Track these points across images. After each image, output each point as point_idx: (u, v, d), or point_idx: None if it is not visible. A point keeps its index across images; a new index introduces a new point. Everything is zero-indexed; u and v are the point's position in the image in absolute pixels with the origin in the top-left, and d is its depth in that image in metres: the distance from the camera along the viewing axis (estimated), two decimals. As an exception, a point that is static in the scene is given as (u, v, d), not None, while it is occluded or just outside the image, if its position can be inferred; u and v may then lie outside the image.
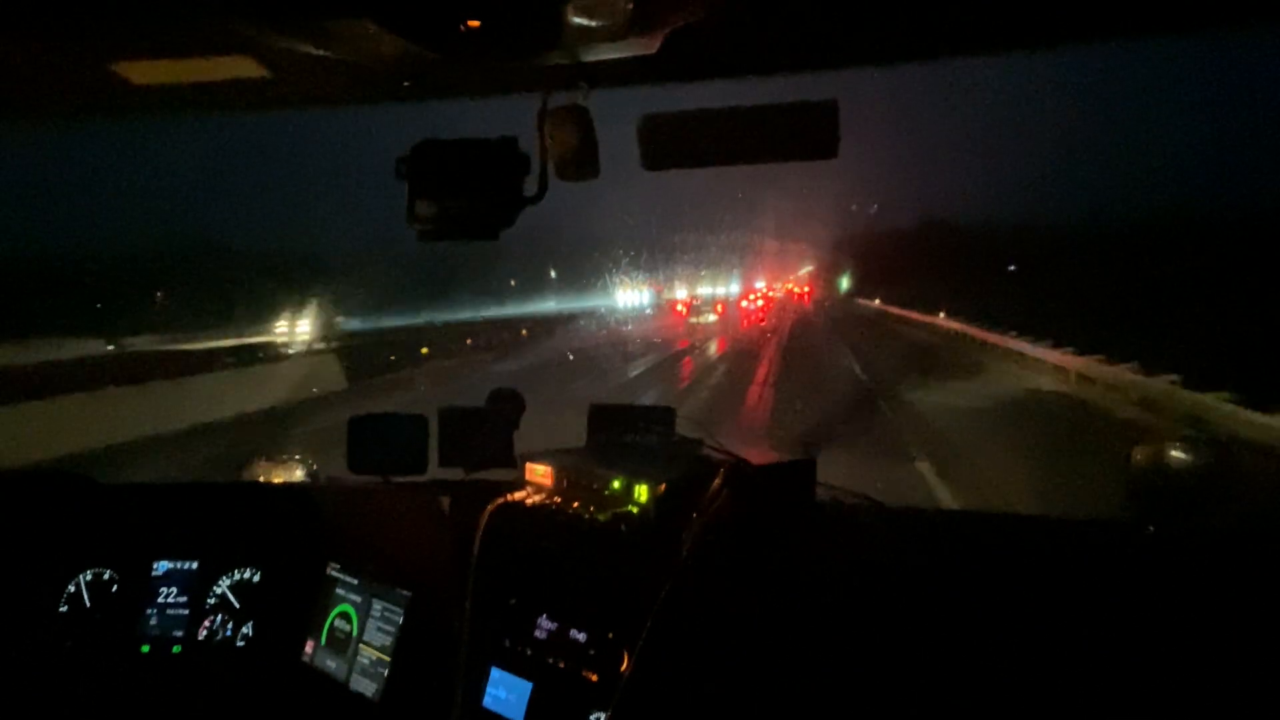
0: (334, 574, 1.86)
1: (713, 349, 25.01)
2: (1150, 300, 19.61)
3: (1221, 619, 1.16)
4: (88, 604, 2.00)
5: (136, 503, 2.17)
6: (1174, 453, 1.60)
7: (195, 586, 1.99)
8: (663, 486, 1.37)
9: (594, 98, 1.41)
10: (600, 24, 1.14)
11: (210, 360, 16.02)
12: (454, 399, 2.21)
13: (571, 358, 20.88)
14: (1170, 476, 1.58)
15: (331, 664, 1.77)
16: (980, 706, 1.14)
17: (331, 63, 1.33)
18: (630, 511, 1.38)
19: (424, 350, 22.37)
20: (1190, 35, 1.35)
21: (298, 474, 2.58)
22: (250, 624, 1.92)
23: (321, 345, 20.26)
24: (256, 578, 1.96)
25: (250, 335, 20.40)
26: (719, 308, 42.62)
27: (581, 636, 1.44)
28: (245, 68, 1.38)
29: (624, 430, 1.82)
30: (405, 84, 1.55)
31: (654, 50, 1.25)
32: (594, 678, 1.39)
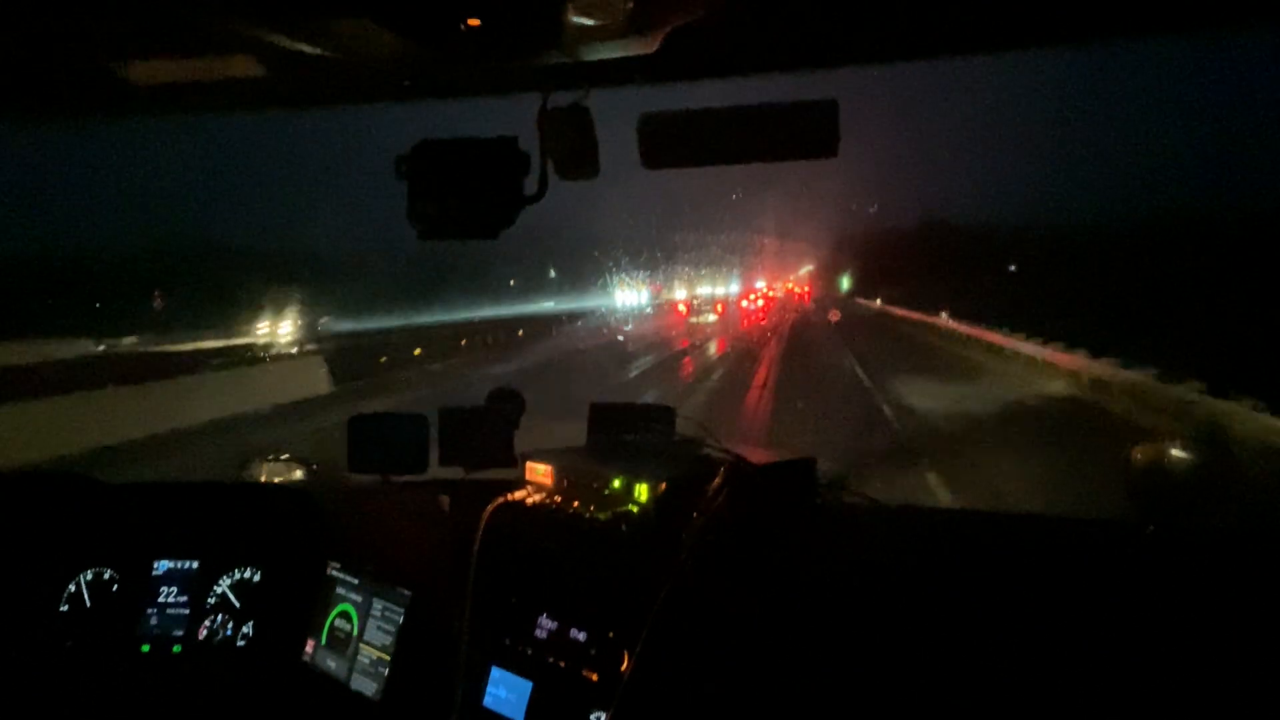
0: (334, 573, 1.86)
1: (712, 349, 25.00)
2: (1151, 300, 19.52)
3: (1221, 619, 1.16)
4: (88, 604, 2.00)
5: (137, 502, 2.17)
6: (1174, 453, 1.60)
7: (195, 586, 1.99)
8: (663, 486, 1.37)
9: (594, 97, 1.41)
10: (600, 23, 1.14)
11: (193, 362, 15.74)
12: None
13: (569, 359, 20.63)
14: (1170, 476, 1.58)
15: (332, 664, 1.77)
16: (980, 706, 1.14)
17: (331, 63, 1.33)
18: (630, 511, 1.38)
19: (417, 351, 22.15)
20: (1190, 35, 1.35)
21: (298, 474, 2.58)
22: (250, 624, 1.92)
23: (307, 347, 19.85)
24: (257, 577, 1.96)
25: (237, 336, 20.04)
26: (719, 308, 42.66)
27: (582, 636, 1.44)
28: (245, 68, 1.38)
29: (624, 429, 1.82)
30: (405, 84, 1.56)
31: (653, 50, 1.25)
32: (594, 677, 1.39)
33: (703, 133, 1.42)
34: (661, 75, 1.43)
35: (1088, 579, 1.29)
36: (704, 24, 1.17)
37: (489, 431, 2.07)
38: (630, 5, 1.09)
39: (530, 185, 1.41)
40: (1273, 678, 1.06)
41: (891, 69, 1.49)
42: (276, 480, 2.57)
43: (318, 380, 16.10)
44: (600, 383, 15.80)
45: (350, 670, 1.73)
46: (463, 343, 25.17)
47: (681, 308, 40.47)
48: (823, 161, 1.39)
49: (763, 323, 36.43)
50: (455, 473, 2.08)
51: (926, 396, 13.10)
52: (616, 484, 1.41)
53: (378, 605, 1.75)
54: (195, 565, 2.01)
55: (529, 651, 1.50)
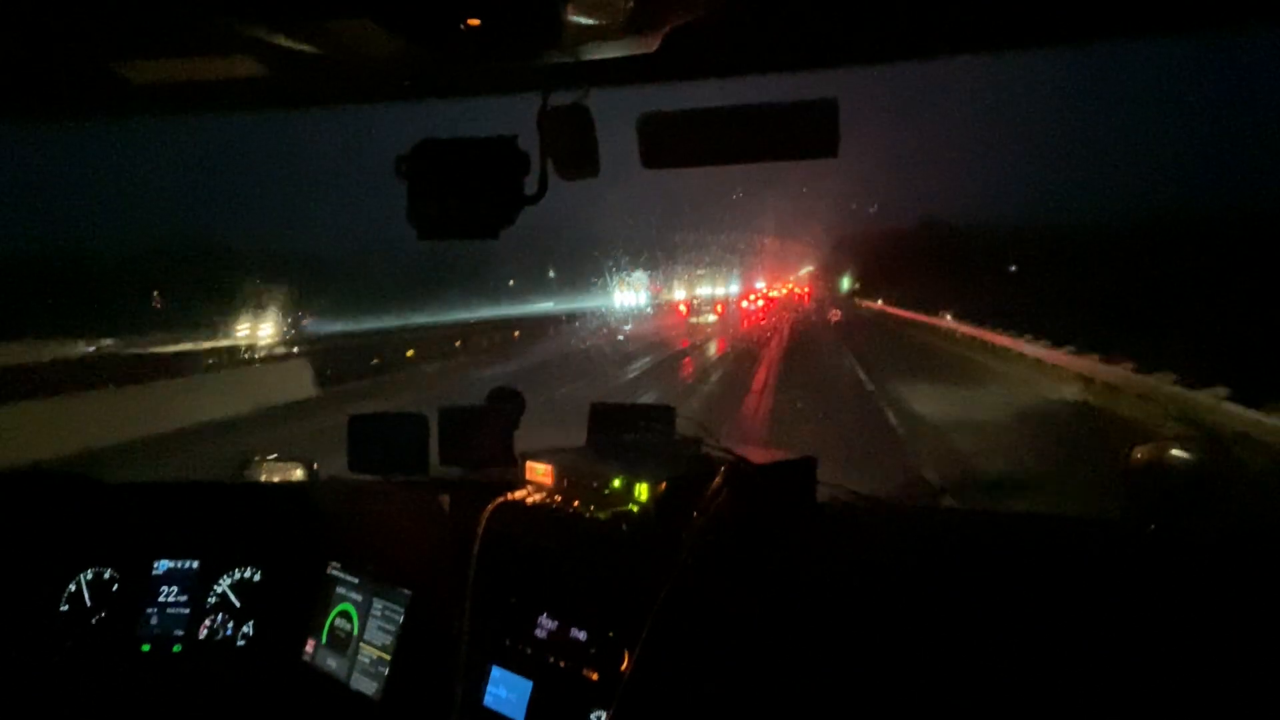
0: (334, 573, 1.86)
1: (712, 349, 24.97)
2: (1152, 300, 19.41)
3: (1221, 619, 1.16)
4: (88, 603, 2.00)
5: (137, 502, 2.17)
6: (1174, 452, 1.59)
7: (196, 586, 1.99)
8: (663, 485, 1.37)
9: (594, 97, 1.41)
10: (600, 23, 1.14)
11: (171, 365, 15.40)
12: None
13: (566, 360, 20.25)
14: (1170, 476, 1.58)
15: (332, 663, 1.78)
16: (980, 706, 1.14)
17: (331, 63, 1.33)
18: (630, 510, 1.38)
19: (410, 353, 21.84)
20: (1190, 35, 1.35)
21: (298, 474, 2.58)
22: (251, 623, 1.92)
23: (290, 349, 19.37)
24: (257, 577, 1.96)
25: (218, 338, 19.61)
26: (719, 308, 42.68)
27: (582, 635, 1.44)
28: (245, 68, 1.38)
29: (624, 429, 1.82)
30: (405, 84, 1.56)
31: (654, 49, 1.25)
32: (594, 676, 1.39)
33: (703, 133, 1.42)
34: (661, 75, 1.43)
35: (1088, 579, 1.29)
36: (704, 24, 1.17)
37: (489, 431, 2.07)
38: (630, 5, 1.09)
39: (530, 185, 1.41)
40: (1273, 678, 1.06)
41: (891, 69, 1.49)
42: (276, 480, 2.57)
43: (301, 383, 15.74)
44: (598, 385, 15.51)
45: (350, 670, 1.73)
46: (458, 344, 24.92)
47: (682, 308, 40.48)
48: (823, 161, 1.39)
49: (762, 323, 36.43)
50: (455, 473, 2.08)
51: (932, 401, 12.51)
52: (616, 484, 1.41)
53: (378, 605, 1.75)
54: (195, 565, 2.01)
55: (529, 651, 1.50)
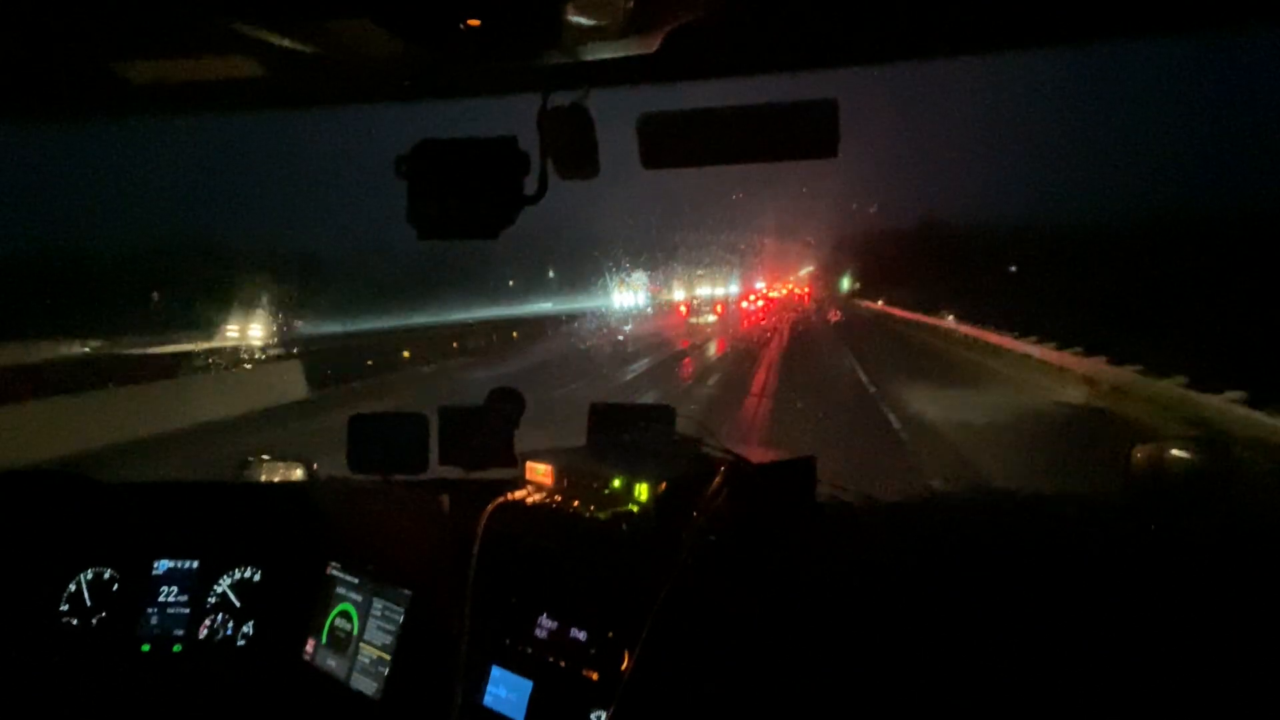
0: (334, 573, 1.86)
1: (711, 350, 24.95)
2: (1153, 300, 19.33)
3: (1221, 619, 1.16)
4: (88, 603, 2.00)
5: (137, 502, 2.17)
6: (1174, 452, 1.59)
7: (196, 586, 1.99)
8: (663, 485, 1.37)
9: (594, 97, 1.41)
10: (600, 23, 1.14)
11: (158, 367, 15.07)
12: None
13: (563, 361, 20.07)
14: (1170, 476, 1.58)
15: (332, 663, 1.78)
16: (981, 706, 1.14)
17: (331, 63, 1.33)
18: (630, 510, 1.38)
19: (405, 354, 21.59)
20: (1190, 35, 1.35)
21: (297, 474, 2.58)
22: (251, 623, 1.92)
23: (277, 352, 18.91)
24: (257, 577, 1.96)
25: (208, 340, 19.14)
26: (718, 308, 42.69)
27: (582, 635, 1.44)
28: (245, 68, 1.38)
29: (624, 429, 1.82)
30: (405, 84, 1.56)
31: (653, 50, 1.25)
32: (594, 676, 1.39)
33: (703, 133, 1.42)
34: (661, 75, 1.43)
35: (1088, 579, 1.29)
36: (704, 24, 1.17)
37: (489, 431, 2.07)
38: (630, 5, 1.09)
39: (530, 185, 1.41)
40: (1273, 678, 1.06)
41: (891, 69, 1.49)
42: (276, 480, 2.57)
43: (292, 386, 15.48)
44: (595, 386, 15.29)
45: (350, 670, 1.73)
46: (454, 345, 24.75)
47: (682, 309, 40.49)
48: (823, 161, 1.39)
49: (762, 323, 36.42)
50: (455, 473, 2.08)
51: (937, 405, 12.07)
52: (616, 484, 1.41)
53: (378, 605, 1.75)
54: (195, 565, 2.01)
55: (529, 651, 1.50)
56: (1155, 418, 10.57)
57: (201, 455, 9.33)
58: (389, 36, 1.18)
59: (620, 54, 1.27)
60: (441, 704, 1.49)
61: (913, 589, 1.31)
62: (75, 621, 1.98)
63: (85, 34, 1.32)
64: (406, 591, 1.71)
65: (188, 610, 1.97)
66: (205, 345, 18.28)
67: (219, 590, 1.97)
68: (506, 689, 1.50)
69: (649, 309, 40.29)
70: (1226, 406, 9.69)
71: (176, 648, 1.94)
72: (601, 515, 1.40)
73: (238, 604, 1.94)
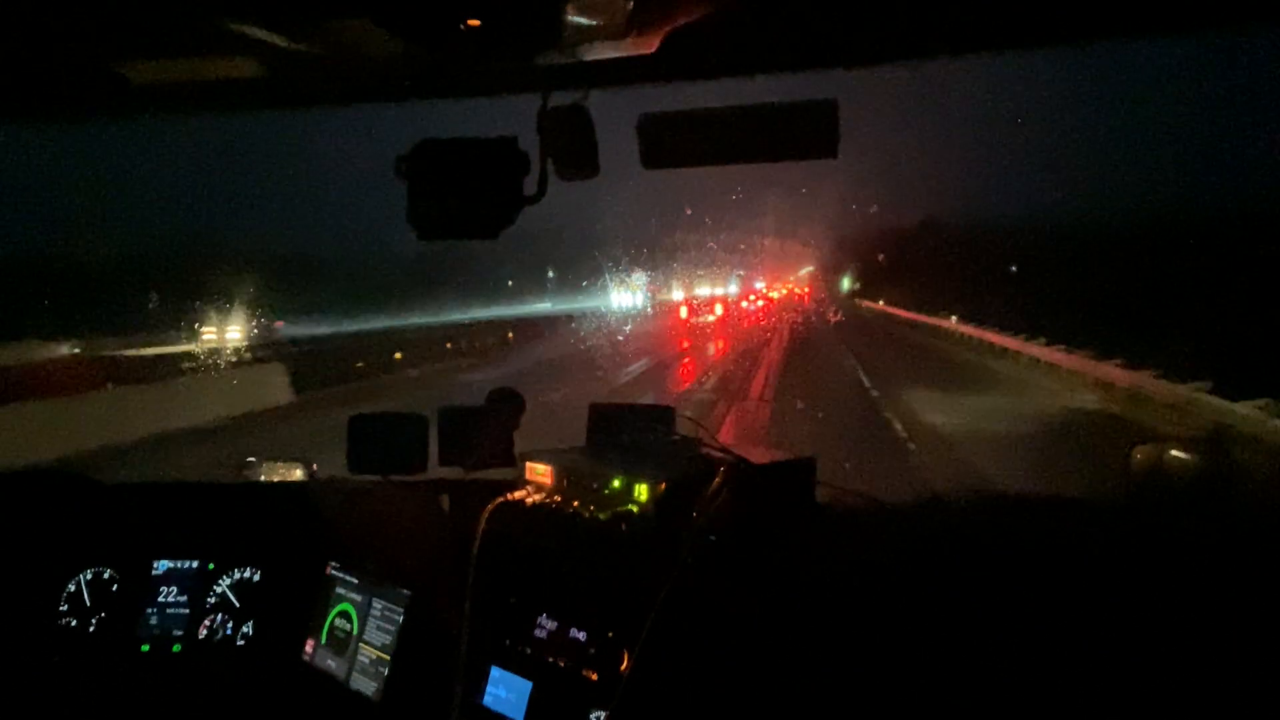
0: (334, 573, 1.86)
1: (711, 350, 24.94)
2: (1156, 299, 19.19)
3: (1221, 619, 1.16)
4: (88, 604, 2.00)
5: (136, 502, 2.17)
6: (1174, 453, 1.60)
7: (195, 586, 1.99)
8: (663, 486, 1.37)
9: (594, 97, 1.41)
10: (600, 23, 1.14)
11: (139, 369, 14.74)
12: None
13: (560, 363, 19.82)
14: (1170, 476, 1.58)
15: (332, 663, 1.77)
16: (981, 706, 1.14)
17: (331, 63, 1.33)
18: (630, 511, 1.38)
19: (397, 355, 21.22)
20: (1190, 35, 1.35)
21: (297, 474, 2.58)
22: (250, 623, 1.92)
23: (266, 354, 18.31)
24: (257, 577, 1.96)
25: (182, 343, 18.81)
26: (717, 308, 42.72)
27: (581, 635, 1.44)
28: (245, 68, 1.38)
29: (624, 429, 1.82)
30: (405, 84, 1.56)
31: (653, 50, 1.25)
32: (594, 677, 1.39)
33: (703, 133, 1.42)
34: (661, 75, 1.43)
35: (1088, 578, 1.28)
36: (704, 24, 1.17)
37: (489, 431, 2.07)
38: (630, 5, 1.09)
39: (530, 185, 1.41)
40: (1273, 678, 1.06)
41: (891, 69, 1.49)
42: (276, 480, 2.57)
43: (275, 389, 15.06)
44: (591, 388, 14.82)
45: (350, 670, 1.73)
46: (449, 346, 24.47)
47: (682, 310, 40.49)
48: (823, 161, 1.39)
49: (762, 323, 36.41)
50: (455, 473, 2.08)
51: (943, 410, 11.64)
52: (616, 484, 1.41)
53: (377, 605, 1.75)
54: (195, 565, 2.01)
55: (529, 651, 1.50)
56: (1178, 425, 10.04)
57: (152, 471, 8.87)
58: (389, 36, 1.18)
59: (620, 54, 1.27)
60: (441, 704, 1.49)
61: (913, 589, 1.31)
62: (75, 621, 1.98)
63: (85, 34, 1.32)
64: (406, 592, 1.71)
65: (187, 610, 1.97)
66: (190, 348, 17.89)
67: (218, 590, 1.97)
68: (506, 689, 1.50)
69: (648, 309, 40.30)
70: (1255, 414, 9.11)
71: (176, 648, 1.94)
72: (601, 515, 1.40)
73: (237, 604, 1.94)
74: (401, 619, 1.70)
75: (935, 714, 1.15)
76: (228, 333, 19.86)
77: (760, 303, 51.33)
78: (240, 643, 1.91)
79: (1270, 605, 1.18)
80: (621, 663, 1.35)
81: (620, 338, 28.16)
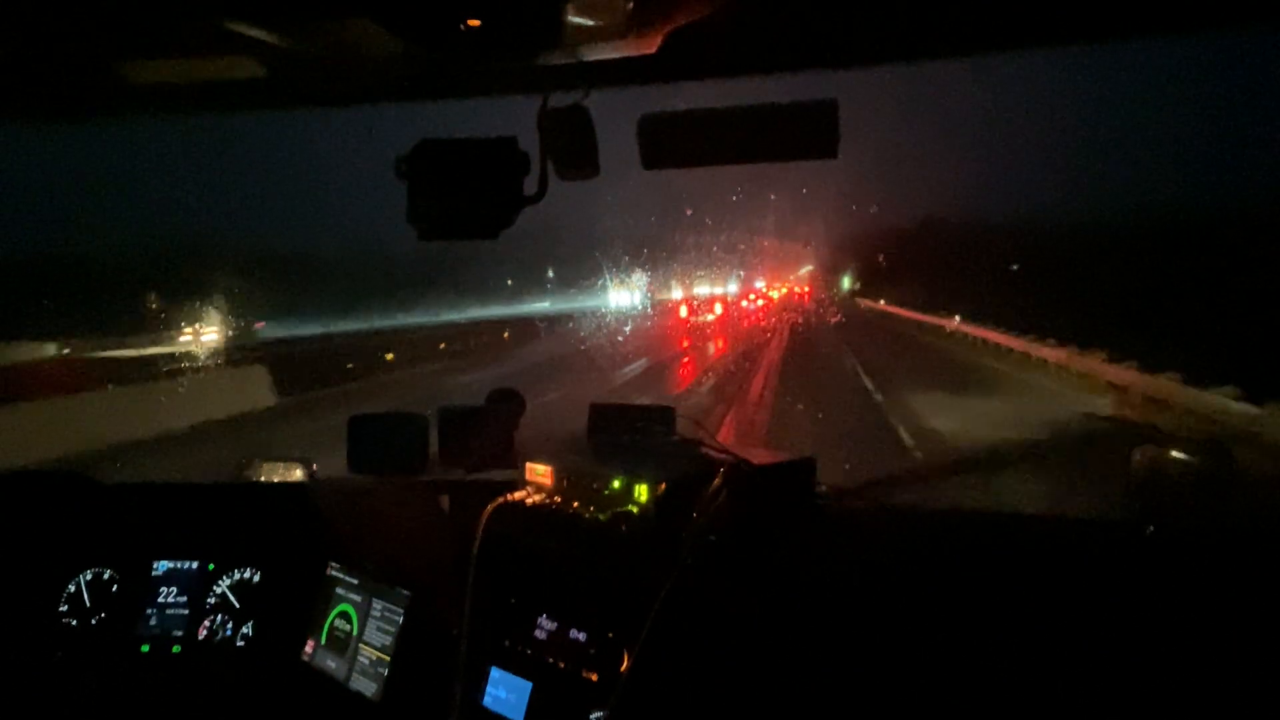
0: (334, 574, 1.86)
1: (710, 350, 24.90)
2: (1154, 300, 19.09)
3: (1221, 619, 1.16)
4: (88, 604, 2.00)
5: (136, 503, 2.17)
6: (1174, 453, 1.60)
7: (195, 586, 1.99)
8: (663, 486, 1.37)
9: (594, 97, 1.41)
10: (600, 24, 1.14)
11: (116, 371, 14.17)
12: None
13: (561, 362, 19.39)
14: (1170, 476, 1.58)
15: (331, 663, 1.77)
16: (981, 707, 1.14)
17: (331, 63, 1.33)
18: (630, 511, 1.38)
19: (389, 356, 20.83)
20: (1190, 35, 1.35)
21: (297, 474, 2.58)
22: (250, 624, 1.92)
23: (259, 354, 17.73)
24: (256, 577, 1.96)
25: (159, 345, 18.16)
26: (717, 308, 42.74)
27: (581, 636, 1.44)
28: (245, 68, 1.38)
29: (624, 430, 1.82)
30: (405, 84, 1.56)
31: (653, 50, 1.25)
32: (594, 677, 1.39)
33: (703, 133, 1.42)
34: (661, 75, 1.43)
35: (1088, 580, 1.28)
36: (704, 24, 1.17)
37: (489, 431, 2.07)
38: (630, 5, 1.09)
39: (530, 185, 1.41)
40: (1273, 678, 1.06)
41: (891, 69, 1.49)
42: (276, 481, 2.57)
43: (257, 392, 14.59)
44: (588, 390, 14.39)
45: (350, 670, 1.73)
46: (441, 346, 24.17)
47: (682, 310, 40.49)
48: (823, 161, 1.39)
49: (762, 323, 36.39)
50: (455, 473, 2.08)
51: (951, 416, 11.06)
52: (616, 484, 1.41)
53: (377, 605, 1.75)
54: (195, 565, 2.01)
55: (529, 652, 1.50)
56: (1200, 433, 9.53)
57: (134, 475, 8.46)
58: (389, 36, 1.18)
59: (620, 54, 1.27)
60: (441, 705, 1.49)
61: (912, 589, 1.31)
62: (75, 621, 1.98)
63: (85, 34, 1.32)
64: (406, 592, 1.71)
65: (187, 611, 1.97)
66: (162, 350, 17.34)
67: (218, 591, 1.97)
68: (506, 690, 1.50)
69: (648, 309, 40.30)
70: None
71: (176, 648, 1.94)
72: (601, 516, 1.40)
73: (237, 604, 1.94)
74: (401, 619, 1.70)
75: (934, 714, 1.15)
76: (203, 335, 19.21)
77: (760, 302, 51.37)
78: (240, 643, 1.91)
79: (1270, 605, 1.18)
80: (621, 663, 1.35)
81: (619, 338, 28.08)
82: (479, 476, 2.02)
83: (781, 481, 1.50)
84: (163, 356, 16.28)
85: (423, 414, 2.13)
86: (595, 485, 1.44)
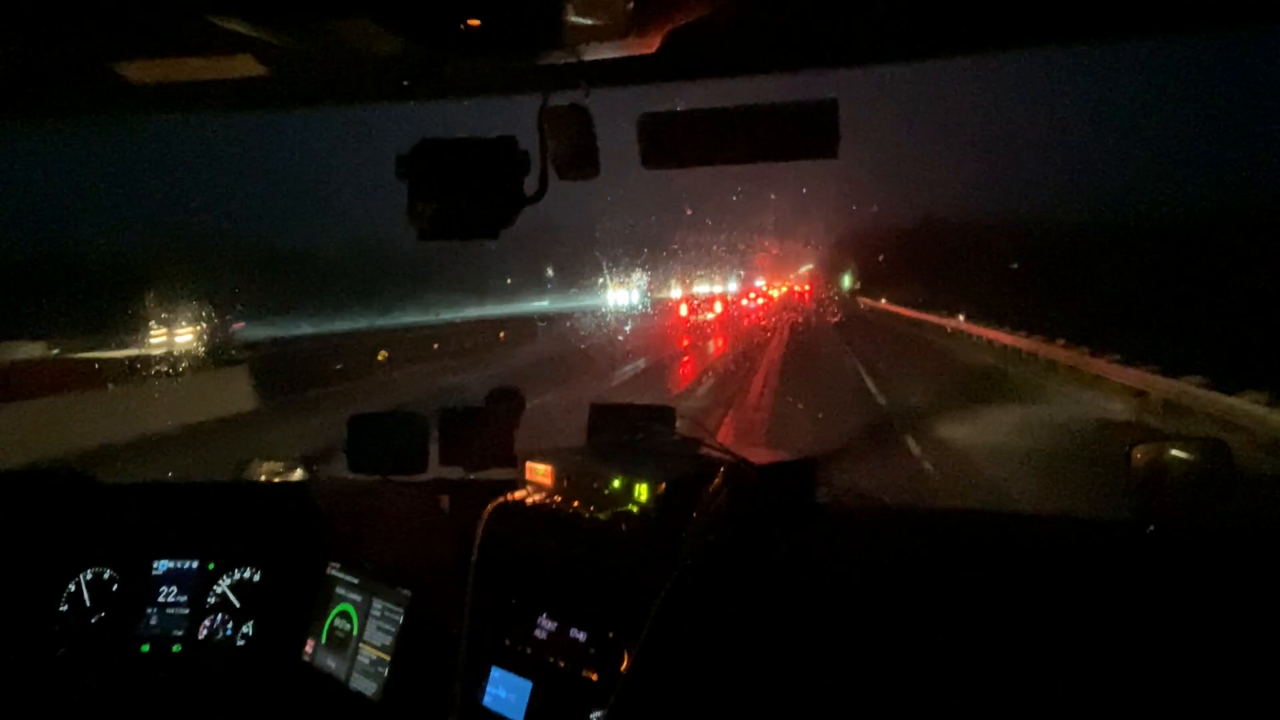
0: (334, 573, 1.86)
1: (710, 349, 24.89)
2: (1155, 299, 19.03)
3: (1221, 619, 1.16)
4: (88, 603, 2.00)
5: (137, 502, 2.17)
6: (1174, 453, 1.59)
7: (195, 586, 1.99)
8: (663, 486, 1.37)
9: (594, 97, 1.41)
10: (600, 23, 1.14)
11: (93, 373, 13.79)
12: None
13: (560, 362, 19.25)
14: (1170, 476, 1.58)
15: (332, 663, 1.78)
16: (980, 707, 1.14)
17: (331, 63, 1.33)
18: (630, 511, 1.38)
19: (381, 356, 20.47)
20: (1190, 35, 1.35)
21: (297, 474, 2.58)
22: (250, 623, 1.92)
23: (248, 354, 17.49)
24: (257, 577, 1.96)
25: (139, 346, 17.68)
26: (717, 306, 42.76)
27: (581, 636, 1.44)
28: (245, 68, 1.38)
29: (624, 429, 1.82)
30: (405, 84, 1.55)
31: (653, 50, 1.25)
32: (594, 677, 1.39)
33: (703, 133, 1.42)
34: (661, 75, 1.43)
35: (1088, 579, 1.29)
36: (704, 24, 1.17)
37: (489, 431, 2.07)
38: (630, 5, 1.09)
39: (530, 185, 1.41)
40: (1273, 677, 1.06)
41: (891, 69, 1.49)
42: (276, 480, 2.57)
43: (238, 395, 14.29)
44: (585, 391, 14.18)
45: (350, 670, 1.73)
46: (434, 346, 23.96)
47: (682, 310, 40.49)
48: (823, 161, 1.39)
49: (762, 323, 36.37)
50: (455, 473, 2.08)
51: (957, 423, 10.54)
52: (616, 484, 1.41)
53: (377, 605, 1.75)
54: (195, 565, 2.01)
55: (529, 651, 1.50)
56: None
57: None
58: (389, 36, 1.18)
59: (620, 54, 1.27)
60: (441, 704, 1.49)
61: (912, 590, 1.31)
62: (75, 621, 1.98)
63: (85, 34, 1.32)
64: (406, 592, 1.71)
65: (187, 610, 1.97)
66: (138, 352, 16.89)
67: (219, 590, 1.97)
68: (506, 689, 1.50)
69: (648, 308, 40.28)
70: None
71: (176, 648, 1.94)
72: (601, 515, 1.40)
73: (237, 604, 1.94)
74: (401, 619, 1.70)
75: (934, 713, 1.15)
76: (177, 336, 18.55)
77: (760, 300, 51.44)
78: (240, 643, 1.91)
79: (1270, 605, 1.18)
80: (621, 663, 1.35)
81: (619, 337, 28.03)
82: (479, 476, 2.02)
83: (782, 481, 1.50)
84: (138, 359, 15.91)
85: (422, 414, 2.12)
86: (595, 485, 1.44)
